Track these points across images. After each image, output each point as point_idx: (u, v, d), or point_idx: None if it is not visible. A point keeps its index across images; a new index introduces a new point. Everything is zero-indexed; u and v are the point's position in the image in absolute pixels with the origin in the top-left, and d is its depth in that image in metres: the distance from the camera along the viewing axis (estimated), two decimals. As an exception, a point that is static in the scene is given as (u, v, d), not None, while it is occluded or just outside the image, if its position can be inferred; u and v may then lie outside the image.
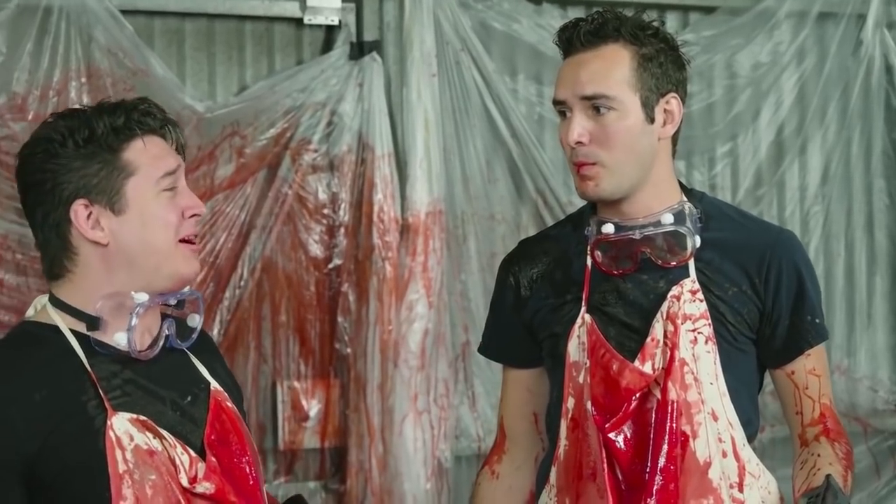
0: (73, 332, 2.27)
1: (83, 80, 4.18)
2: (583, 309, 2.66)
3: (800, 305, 2.68)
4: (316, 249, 4.48)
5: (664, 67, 2.63)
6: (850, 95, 5.22)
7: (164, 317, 2.38)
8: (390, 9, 4.58)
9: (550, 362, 2.75)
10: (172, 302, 2.35)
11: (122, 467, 2.18)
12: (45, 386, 2.20)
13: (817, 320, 2.71)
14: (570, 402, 2.67)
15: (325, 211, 4.49)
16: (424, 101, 4.52)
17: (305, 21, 4.55)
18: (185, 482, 2.22)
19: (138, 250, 2.27)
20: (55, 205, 2.26)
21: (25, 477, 2.17)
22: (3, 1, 4.11)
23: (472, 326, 4.61)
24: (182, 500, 2.21)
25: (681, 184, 2.73)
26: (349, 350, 4.50)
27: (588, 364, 2.63)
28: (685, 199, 2.69)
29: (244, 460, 2.34)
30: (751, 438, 2.69)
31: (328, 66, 4.50)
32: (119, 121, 2.27)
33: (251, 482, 2.33)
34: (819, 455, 2.64)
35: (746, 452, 2.65)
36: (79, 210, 2.25)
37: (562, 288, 2.72)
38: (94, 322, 2.27)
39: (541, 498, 2.75)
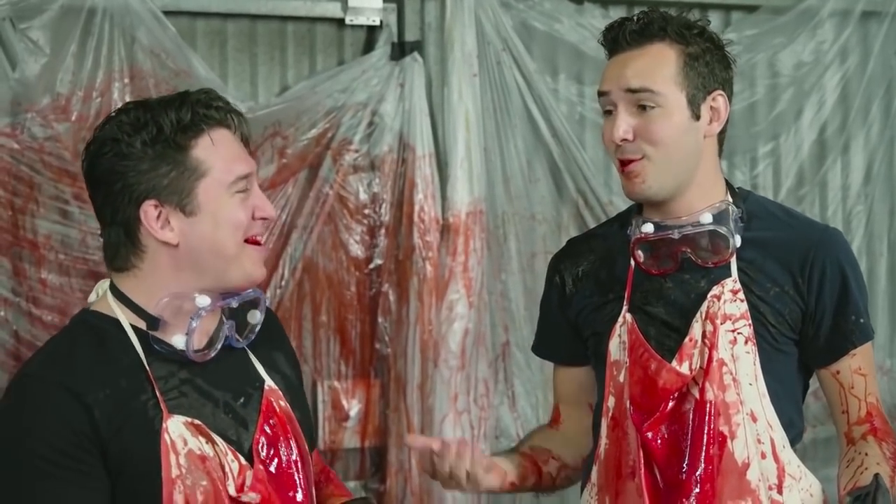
0: (134, 327, 2.27)
1: (126, 81, 4.20)
2: (624, 308, 2.67)
3: (843, 305, 2.66)
4: (356, 249, 4.49)
5: (710, 66, 2.63)
6: (893, 94, 5.20)
7: (226, 314, 2.38)
8: (431, 9, 4.59)
9: (594, 361, 2.77)
10: (234, 305, 2.35)
11: (175, 472, 2.19)
12: (108, 384, 2.21)
13: (861, 320, 2.69)
14: (610, 401, 2.68)
15: (366, 211, 4.50)
16: (465, 101, 4.52)
17: (347, 21, 4.56)
18: (232, 490, 2.22)
19: (208, 252, 2.27)
20: (125, 204, 2.25)
21: (104, 460, 2.18)
22: (47, 2, 4.13)
23: (512, 326, 4.61)
24: None
25: (727, 183, 2.72)
26: (389, 350, 4.50)
27: (628, 363, 2.64)
28: (729, 198, 2.68)
29: (291, 465, 2.33)
30: (794, 441, 2.67)
31: (369, 66, 4.51)
32: (186, 116, 2.24)
33: (297, 489, 2.32)
34: (866, 454, 2.62)
35: (787, 454, 2.64)
36: (149, 210, 2.25)
37: (605, 287, 2.73)
38: (154, 322, 2.27)
39: (583, 496, 2.76)
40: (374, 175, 4.51)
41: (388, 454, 4.48)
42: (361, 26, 4.61)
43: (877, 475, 2.44)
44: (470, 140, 4.51)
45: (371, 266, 4.51)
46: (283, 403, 2.39)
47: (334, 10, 4.55)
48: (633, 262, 2.68)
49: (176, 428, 2.21)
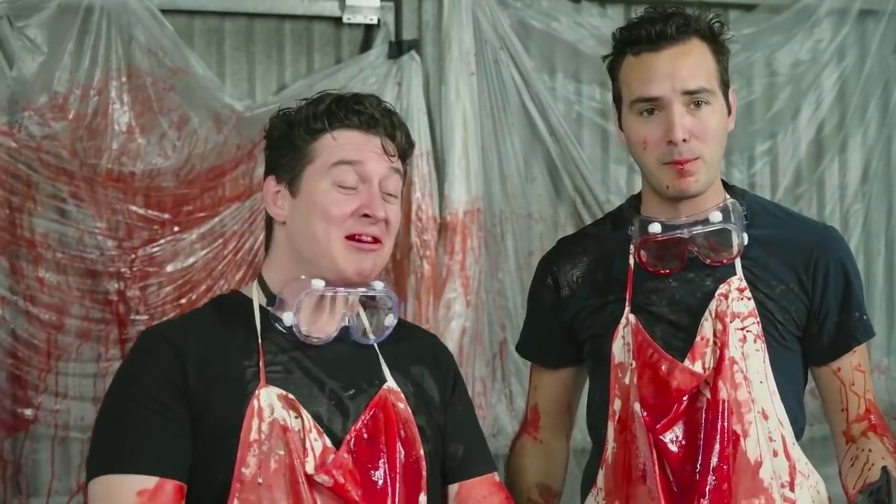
0: (261, 307, 2.38)
1: (123, 79, 4.20)
2: (627, 309, 2.65)
3: (847, 302, 2.68)
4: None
5: (728, 62, 2.66)
6: (890, 93, 5.20)
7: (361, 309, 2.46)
8: (429, 8, 4.59)
9: (593, 363, 2.75)
10: (352, 296, 2.40)
11: (254, 436, 2.25)
12: (215, 345, 2.32)
13: (864, 316, 2.71)
14: (616, 404, 2.65)
15: (364, 210, 4.50)
16: (463, 99, 4.52)
17: (344, 20, 4.57)
18: (310, 468, 2.25)
19: (303, 236, 2.35)
20: (264, 177, 2.42)
21: (189, 410, 2.28)
22: (44, 1, 4.14)
23: (510, 325, 4.61)
24: (304, 483, 2.24)
25: (725, 183, 2.74)
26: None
27: (634, 365, 2.61)
28: (728, 196, 2.69)
29: (386, 464, 2.33)
30: (797, 437, 2.67)
31: (367, 64, 4.51)
32: (319, 110, 2.36)
33: (389, 489, 2.32)
34: (870, 450, 2.62)
35: (796, 452, 2.64)
36: (269, 184, 2.39)
37: (604, 288, 2.71)
38: (272, 299, 2.37)
39: (586, 502, 2.73)
40: (371, 173, 4.50)
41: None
42: (359, 25, 4.61)
43: (885, 468, 2.44)
44: (467, 139, 4.51)
45: (369, 264, 4.50)
46: (401, 405, 2.40)
47: (332, 9, 4.55)
48: (632, 262, 2.67)
49: (267, 397, 2.28)
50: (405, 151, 2.44)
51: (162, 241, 4.20)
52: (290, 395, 2.30)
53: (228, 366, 2.31)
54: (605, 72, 4.84)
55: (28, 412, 4.08)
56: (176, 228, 4.22)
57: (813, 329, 2.67)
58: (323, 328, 2.39)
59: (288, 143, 2.37)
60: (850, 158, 5.20)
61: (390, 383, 2.41)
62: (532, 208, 4.73)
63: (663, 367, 2.58)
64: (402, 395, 2.41)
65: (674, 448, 2.57)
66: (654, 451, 2.56)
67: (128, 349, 2.79)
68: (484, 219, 4.58)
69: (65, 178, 4.10)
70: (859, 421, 2.69)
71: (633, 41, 2.61)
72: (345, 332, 2.41)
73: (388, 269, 4.49)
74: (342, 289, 2.36)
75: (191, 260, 4.23)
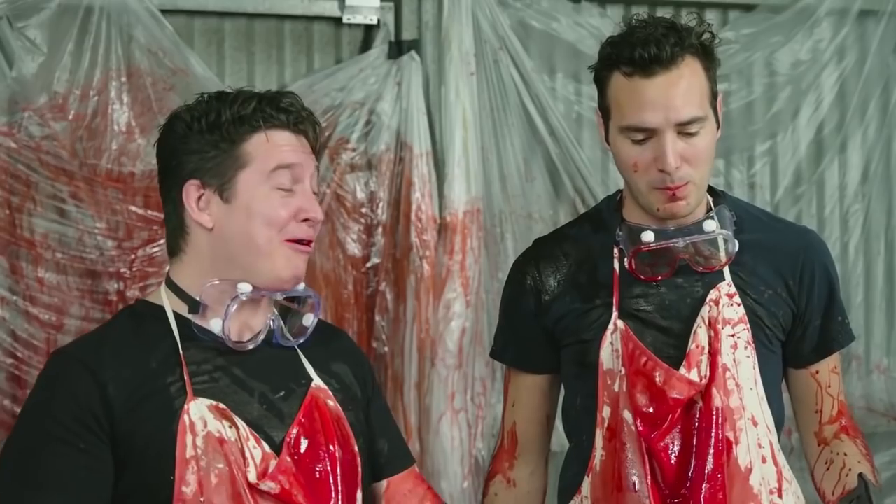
0: (177, 315, 2.31)
1: (123, 79, 4.20)
2: (614, 314, 2.62)
3: (830, 306, 2.70)
4: (354, 248, 4.49)
5: (716, 71, 2.61)
6: (890, 93, 5.19)
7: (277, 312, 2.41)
8: (429, 8, 4.59)
9: (576, 370, 2.70)
10: (280, 297, 2.37)
11: (189, 452, 2.20)
12: (135, 364, 2.24)
13: (846, 321, 2.73)
14: (605, 412, 2.62)
15: (363, 210, 4.50)
16: (463, 99, 4.52)
17: (344, 20, 4.56)
18: (252, 477, 2.21)
19: (239, 242, 2.29)
20: (175, 182, 2.32)
21: (112, 440, 2.21)
22: (44, 1, 4.13)
23: (510, 325, 4.61)
24: (246, 494, 2.20)
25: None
26: (387, 349, 4.50)
27: (623, 372, 2.59)
28: (711, 199, 2.68)
29: (327, 463, 2.31)
30: (778, 431, 2.68)
31: (367, 65, 4.51)
32: (246, 110, 2.29)
33: (332, 488, 2.30)
34: (846, 454, 2.64)
35: (781, 457, 2.65)
36: (190, 190, 2.31)
37: (588, 292, 2.68)
38: (195, 306, 2.31)
39: None
40: (371, 174, 4.51)
41: (385, 453, 4.48)
42: (359, 25, 4.61)
43: (860, 475, 2.46)
44: (467, 139, 4.51)
45: (368, 265, 4.51)
46: (332, 403, 2.38)
47: (332, 9, 4.55)
48: (616, 266, 2.64)
49: (198, 410, 2.23)
50: (318, 144, 2.43)
51: (162, 241, 4.14)
52: (221, 405, 2.25)
53: (152, 384, 2.24)
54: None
55: (28, 412, 4.07)
56: (176, 228, 4.22)
57: (797, 333, 2.68)
58: (248, 333, 2.35)
59: (210, 144, 2.29)
60: (850, 158, 5.20)
61: (317, 381, 2.38)
62: (532, 208, 4.73)
63: (658, 376, 2.56)
64: (330, 392, 2.39)
65: (669, 456, 2.55)
66: (647, 460, 2.54)
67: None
68: (484, 219, 4.57)
69: (64, 179, 4.10)
70: (832, 423, 2.71)
71: (623, 62, 2.54)
72: (268, 335, 2.37)
73: (387, 269, 4.49)
74: (268, 291, 2.33)
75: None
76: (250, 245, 2.28)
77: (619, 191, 2.78)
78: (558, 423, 2.84)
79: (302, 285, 2.37)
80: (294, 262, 2.32)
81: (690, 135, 2.52)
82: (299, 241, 2.33)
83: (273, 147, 2.30)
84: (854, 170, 5.20)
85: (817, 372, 2.72)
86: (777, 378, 2.71)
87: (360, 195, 4.50)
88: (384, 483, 2.52)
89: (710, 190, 2.70)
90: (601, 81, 2.61)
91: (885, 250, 5.22)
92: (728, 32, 4.85)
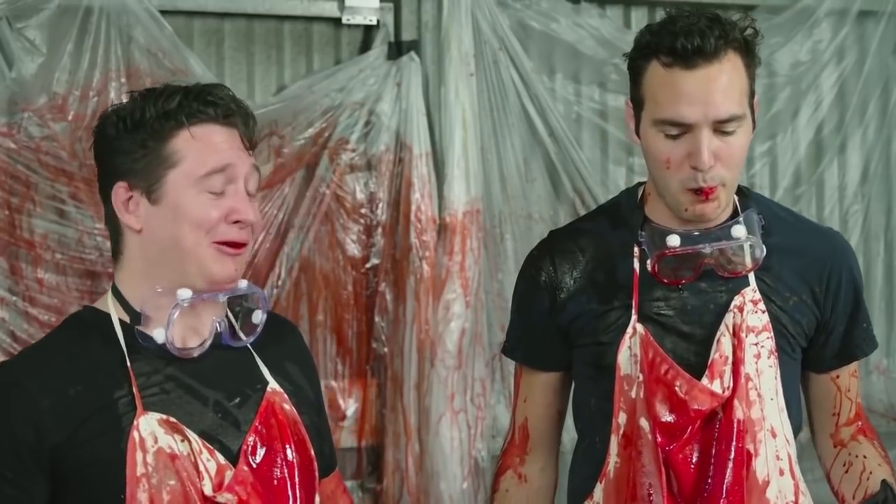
0: (123, 323, 2.24)
1: (123, 80, 4.20)
2: (633, 318, 2.53)
3: (855, 313, 2.63)
4: (353, 249, 4.49)
5: (756, 70, 2.49)
6: (889, 94, 5.20)
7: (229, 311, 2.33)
8: (428, 8, 4.58)
9: (592, 371, 2.62)
10: (221, 299, 2.28)
11: (140, 470, 2.14)
12: (81, 380, 2.18)
13: (870, 327, 2.67)
14: (621, 418, 2.54)
15: (363, 210, 4.50)
16: (462, 100, 4.52)
17: (344, 21, 4.56)
18: (208, 490, 2.16)
19: (167, 245, 2.21)
20: (107, 184, 2.25)
21: (51, 466, 2.15)
22: (43, 2, 4.13)
23: (509, 326, 4.61)
24: None
25: None
26: (386, 349, 4.50)
27: (641, 378, 2.51)
28: (738, 200, 2.58)
29: (286, 471, 2.26)
30: (794, 434, 2.61)
31: (366, 65, 4.51)
32: (170, 105, 2.20)
33: (289, 494, 2.26)
34: (865, 457, 2.60)
35: (798, 470, 2.58)
36: (119, 192, 2.23)
37: (606, 293, 2.58)
38: (137, 317, 2.24)
39: None
40: (370, 174, 4.51)
41: (384, 454, 4.48)
42: (358, 26, 4.61)
43: (884, 481, 2.42)
44: (467, 139, 4.51)
45: (368, 265, 4.51)
46: (287, 407, 2.31)
47: (331, 10, 4.55)
48: (636, 266, 2.55)
49: (147, 425, 2.16)
50: (254, 131, 2.29)
51: (161, 242, 4.19)
52: (172, 419, 2.18)
53: (98, 399, 2.17)
54: (604, 73, 4.88)
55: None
56: (175, 229, 4.22)
57: (819, 339, 2.62)
58: (195, 338, 2.27)
59: (137, 143, 2.20)
60: (850, 159, 5.20)
61: (272, 385, 2.31)
62: (532, 209, 4.72)
63: (680, 387, 2.47)
64: (286, 395, 2.33)
65: (687, 468, 2.48)
66: (664, 469, 2.47)
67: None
68: (483, 220, 4.57)
69: (64, 179, 4.10)
70: (849, 424, 2.67)
71: (665, 51, 2.41)
72: (217, 338, 2.28)
73: (387, 269, 4.49)
74: (209, 294, 2.24)
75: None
76: (177, 248, 2.20)
77: (640, 184, 2.67)
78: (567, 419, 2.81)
79: (244, 283, 2.28)
80: (225, 265, 2.22)
81: (727, 133, 2.40)
82: (230, 244, 2.22)
83: (203, 147, 2.20)
84: (853, 170, 5.20)
85: (838, 377, 2.66)
86: (796, 383, 2.64)
87: (360, 196, 4.50)
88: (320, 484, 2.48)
89: (738, 190, 2.60)
90: (636, 70, 2.48)
91: (884, 251, 5.23)
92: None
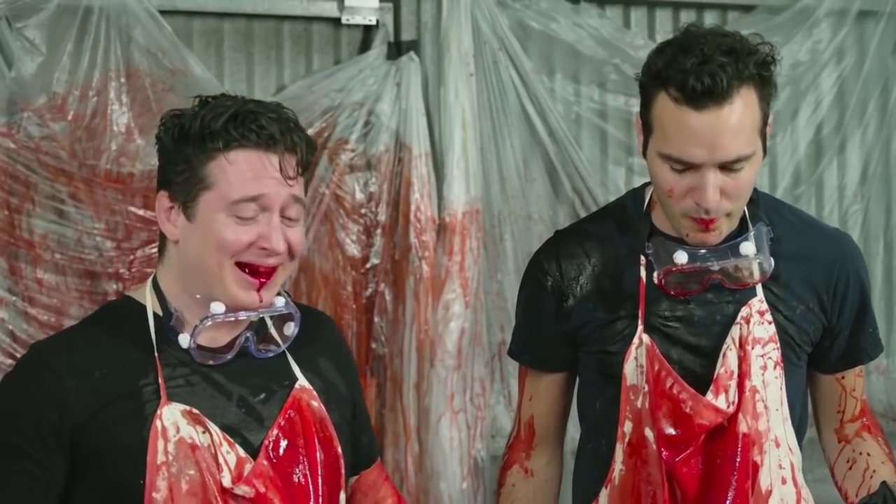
0: (157, 316, 2.29)
1: (122, 80, 4.19)
2: (640, 329, 2.53)
3: (862, 317, 2.63)
4: (353, 249, 4.49)
5: (772, 96, 2.45)
6: (889, 94, 5.20)
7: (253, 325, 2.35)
8: (428, 8, 4.58)
9: (598, 377, 2.63)
10: (254, 317, 2.29)
11: (160, 458, 2.18)
12: (107, 365, 2.22)
13: (876, 331, 2.66)
14: (627, 427, 2.55)
15: (363, 210, 4.50)
16: (462, 100, 4.51)
17: (343, 21, 4.56)
18: (227, 482, 2.19)
19: (195, 262, 2.25)
20: (158, 186, 2.30)
21: (70, 446, 2.19)
22: (43, 1, 4.13)
23: (509, 326, 4.56)
24: (219, 500, 2.19)
25: None
26: (386, 349, 4.50)
27: (647, 389, 2.51)
28: (748, 212, 2.55)
29: (307, 466, 2.28)
30: (799, 439, 2.62)
31: (366, 65, 4.51)
32: (215, 126, 2.21)
33: (311, 491, 2.27)
34: (869, 454, 2.60)
35: (801, 478, 2.59)
36: (162, 199, 2.27)
37: (613, 302, 2.58)
38: (170, 315, 2.28)
39: None
40: (370, 174, 4.51)
41: (384, 454, 4.48)
42: (358, 26, 4.60)
43: (884, 483, 2.43)
44: (466, 139, 4.51)
45: (367, 265, 4.50)
46: (315, 404, 2.34)
47: (331, 10, 4.55)
48: (643, 275, 2.55)
49: (171, 415, 2.20)
50: (307, 161, 2.28)
51: (161, 242, 4.19)
52: (195, 410, 2.22)
53: (124, 386, 2.22)
54: (603, 73, 4.88)
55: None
56: (174, 229, 4.21)
57: (825, 343, 2.61)
58: (227, 337, 2.31)
59: (182, 158, 2.24)
60: (849, 159, 5.20)
61: (302, 381, 2.34)
62: (531, 209, 4.72)
63: (686, 402, 2.47)
64: (314, 392, 2.35)
65: (690, 481, 2.48)
66: (667, 481, 2.48)
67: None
68: (483, 220, 4.57)
69: (63, 179, 4.10)
70: (853, 421, 2.68)
71: (675, 87, 2.35)
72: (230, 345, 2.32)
73: (386, 270, 4.49)
74: (243, 313, 2.27)
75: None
76: (203, 267, 2.23)
77: (647, 184, 2.64)
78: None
79: (281, 301, 2.31)
80: (249, 294, 2.24)
81: (734, 171, 2.38)
82: (254, 271, 2.24)
83: (238, 175, 2.21)
84: (853, 170, 5.20)
85: (843, 377, 2.66)
86: (801, 388, 2.64)
87: (359, 196, 4.50)
88: (356, 476, 2.52)
89: None
90: (646, 94, 2.44)
91: (883, 251, 5.23)
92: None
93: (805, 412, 2.66)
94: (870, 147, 5.19)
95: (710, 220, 2.41)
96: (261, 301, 2.26)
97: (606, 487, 2.59)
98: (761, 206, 2.58)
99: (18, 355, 4.04)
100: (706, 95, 2.32)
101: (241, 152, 2.21)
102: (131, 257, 4.15)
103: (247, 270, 2.25)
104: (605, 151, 4.89)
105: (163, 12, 4.25)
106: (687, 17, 5.01)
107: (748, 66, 2.34)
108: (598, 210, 2.83)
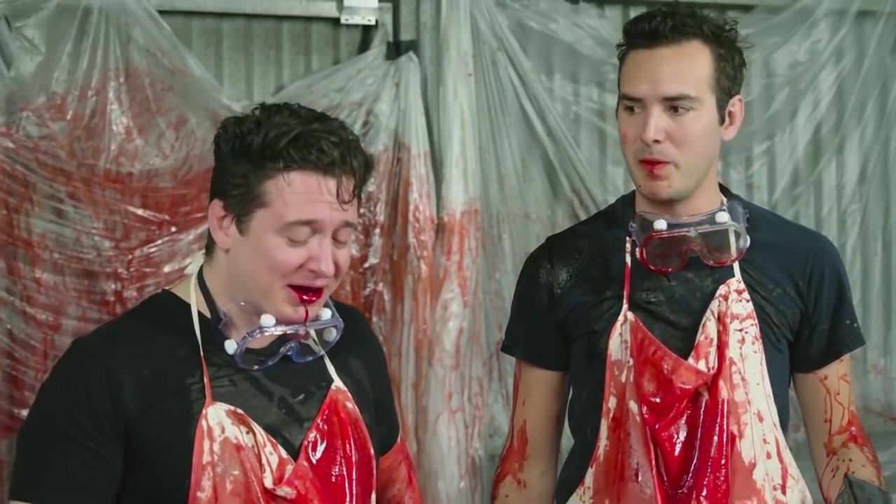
0: (201, 314, 2.29)
1: (121, 80, 4.20)
2: (625, 307, 2.63)
3: (839, 309, 2.69)
4: (351, 248, 4.49)
5: (736, 69, 2.60)
6: (888, 94, 5.21)
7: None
8: (427, 8, 4.59)
9: (585, 361, 2.70)
10: (302, 332, 2.29)
11: (206, 458, 2.19)
12: (156, 363, 2.23)
13: (855, 324, 2.72)
14: (611, 402, 2.62)
15: (361, 210, 4.49)
16: (461, 100, 4.52)
17: (342, 21, 4.57)
18: (269, 483, 2.20)
19: (245, 275, 2.24)
20: (212, 192, 2.27)
21: (126, 439, 2.20)
22: (42, 1, 4.14)
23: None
24: (262, 500, 2.20)
25: (721, 185, 2.72)
26: (384, 349, 4.50)
27: (631, 363, 2.59)
28: (726, 199, 2.68)
29: (343, 467, 2.29)
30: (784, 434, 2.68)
31: (365, 65, 4.52)
32: (277, 145, 2.18)
33: (347, 492, 2.29)
34: (850, 460, 2.64)
35: (788, 455, 2.64)
36: (216, 208, 2.25)
37: (600, 285, 2.68)
38: (218, 319, 2.27)
39: (570, 500, 2.70)
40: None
41: (382, 453, 4.49)
42: (357, 26, 4.61)
43: (846, 475, 2.50)
44: (465, 139, 4.51)
45: (366, 265, 4.51)
46: (350, 405, 2.35)
47: (330, 10, 4.55)
48: (628, 260, 2.65)
49: (216, 415, 2.21)
50: (364, 182, 2.27)
51: (159, 241, 4.20)
52: (239, 410, 2.23)
53: (171, 384, 2.23)
54: (602, 72, 4.89)
55: (25, 413, 4.07)
56: (173, 229, 4.22)
57: (804, 334, 2.68)
58: (269, 341, 2.31)
59: (240, 171, 2.21)
60: (848, 159, 5.21)
61: (338, 383, 2.35)
62: (530, 209, 4.73)
63: (667, 365, 2.56)
64: (349, 394, 2.36)
65: (672, 446, 2.55)
66: (652, 449, 2.55)
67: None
68: (481, 219, 4.58)
69: (62, 179, 4.11)
70: (841, 433, 2.71)
71: (632, 34, 2.60)
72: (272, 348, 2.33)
73: (385, 269, 4.50)
74: (293, 326, 2.26)
75: (188, 261, 4.23)
76: (253, 283, 2.23)
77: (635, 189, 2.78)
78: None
79: (328, 313, 2.31)
80: (298, 311, 2.25)
81: (678, 113, 2.53)
82: (304, 292, 2.24)
83: (294, 197, 2.19)
84: (852, 170, 5.21)
85: (826, 377, 2.71)
86: (785, 378, 2.70)
87: (358, 195, 4.50)
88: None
89: (725, 191, 2.71)
90: (621, 59, 2.66)
91: (882, 251, 5.23)
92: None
93: (787, 408, 2.69)
94: (868, 147, 5.20)
95: (654, 161, 2.54)
96: (307, 317, 2.26)
97: (592, 466, 2.65)
98: (743, 202, 2.70)
99: (17, 355, 4.05)
100: (654, 35, 2.55)
101: (300, 174, 2.19)
102: (130, 257, 4.16)
103: (294, 289, 2.26)
104: (603, 151, 4.90)
105: (162, 12, 4.26)
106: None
107: (700, 25, 2.55)
108: (592, 215, 2.94)
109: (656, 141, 2.52)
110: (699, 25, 2.55)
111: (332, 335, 2.33)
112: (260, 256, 2.21)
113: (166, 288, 2.39)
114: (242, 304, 2.27)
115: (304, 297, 2.24)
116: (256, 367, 2.29)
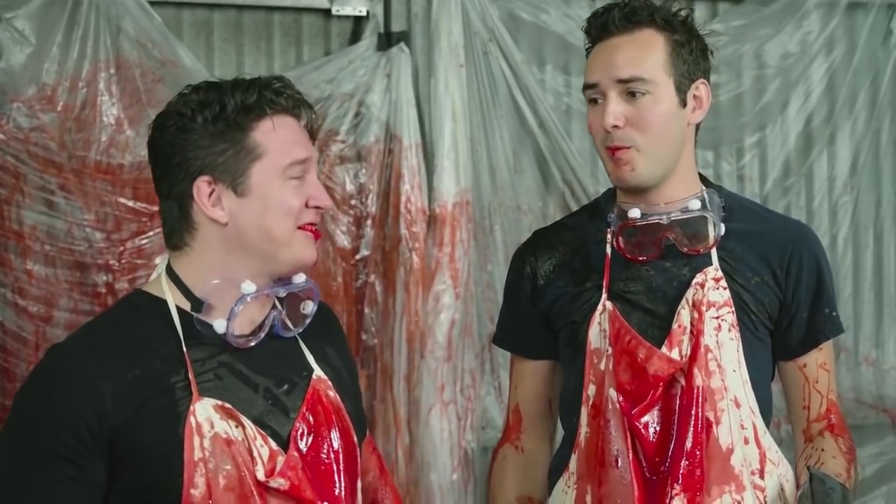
0: (179, 309, 2.27)
1: (112, 70, 4.20)
2: (604, 296, 2.65)
3: (818, 298, 2.71)
4: (343, 240, 4.49)
5: (694, 54, 2.64)
6: (879, 85, 5.21)
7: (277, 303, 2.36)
8: (418, -1, 4.60)
9: (569, 351, 2.73)
10: (282, 294, 2.31)
11: (198, 454, 2.18)
12: (139, 365, 2.21)
13: (834, 313, 2.74)
14: (591, 390, 2.66)
15: (353, 202, 4.50)
16: (452, 91, 4.52)
17: (333, 12, 4.57)
18: (261, 475, 2.20)
19: (256, 235, 2.25)
20: (181, 179, 2.25)
21: (109, 448, 2.18)
22: (33, -8, 4.14)
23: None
24: (255, 493, 2.19)
25: (701, 176, 2.74)
26: (376, 341, 4.51)
27: (610, 351, 2.63)
28: (704, 187, 2.70)
29: (331, 456, 2.30)
30: (766, 424, 2.69)
31: (356, 56, 4.51)
32: (251, 98, 2.24)
33: (335, 480, 2.29)
34: (823, 449, 2.66)
35: (767, 440, 2.66)
36: (202, 186, 2.24)
37: (581, 276, 2.71)
38: (199, 305, 2.26)
39: (556, 486, 2.74)
40: (360, 165, 4.51)
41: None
42: (348, 16, 4.61)
43: (808, 467, 2.52)
44: (456, 130, 4.51)
45: (358, 257, 4.51)
46: (331, 394, 2.36)
47: (321, 1, 4.55)
48: (609, 251, 2.68)
49: (204, 411, 2.20)
50: (316, 131, 2.39)
51: (150, 233, 4.19)
52: (227, 405, 2.22)
53: (156, 384, 2.21)
54: (594, 64, 4.86)
55: (16, 405, 4.07)
56: (164, 220, 4.22)
57: (783, 322, 2.70)
58: (248, 327, 2.31)
59: (218, 138, 2.23)
60: (839, 150, 5.21)
61: (318, 372, 2.36)
62: (521, 200, 4.73)
63: (641, 354, 2.59)
64: (330, 382, 2.37)
65: (648, 433, 2.59)
66: (629, 436, 2.58)
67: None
68: (473, 211, 4.58)
69: (53, 170, 4.10)
70: (819, 420, 2.72)
71: (589, 30, 2.67)
72: (259, 327, 2.33)
73: (377, 261, 4.50)
74: (271, 288, 2.29)
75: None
76: (269, 235, 2.25)
77: None
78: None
79: (302, 277, 2.34)
80: (310, 250, 2.29)
81: (634, 97, 2.58)
82: (312, 228, 2.30)
83: (285, 139, 2.26)
84: (843, 162, 5.21)
85: (805, 365, 2.73)
86: (765, 367, 2.72)
87: (350, 187, 4.50)
88: None
89: (706, 181, 2.73)
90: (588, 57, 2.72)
91: (873, 242, 5.24)
92: (717, 25, 4.85)
93: (770, 395, 2.72)
94: (860, 138, 5.20)
95: (615, 147, 2.59)
96: (317, 255, 2.32)
97: (575, 452, 2.69)
98: (722, 194, 2.72)
99: (9, 347, 4.04)
100: (605, 28, 2.63)
101: (278, 118, 2.27)
102: (121, 248, 4.15)
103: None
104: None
105: (152, 3, 4.26)
106: (677, 8, 5.01)
107: (651, 14, 2.62)
108: (578, 209, 2.99)
109: (616, 126, 2.57)
110: (650, 14, 2.62)
111: (310, 307, 2.35)
112: (270, 207, 2.24)
113: (139, 288, 2.38)
114: (216, 281, 2.26)
115: (311, 235, 2.29)
116: (253, 342, 2.28)
